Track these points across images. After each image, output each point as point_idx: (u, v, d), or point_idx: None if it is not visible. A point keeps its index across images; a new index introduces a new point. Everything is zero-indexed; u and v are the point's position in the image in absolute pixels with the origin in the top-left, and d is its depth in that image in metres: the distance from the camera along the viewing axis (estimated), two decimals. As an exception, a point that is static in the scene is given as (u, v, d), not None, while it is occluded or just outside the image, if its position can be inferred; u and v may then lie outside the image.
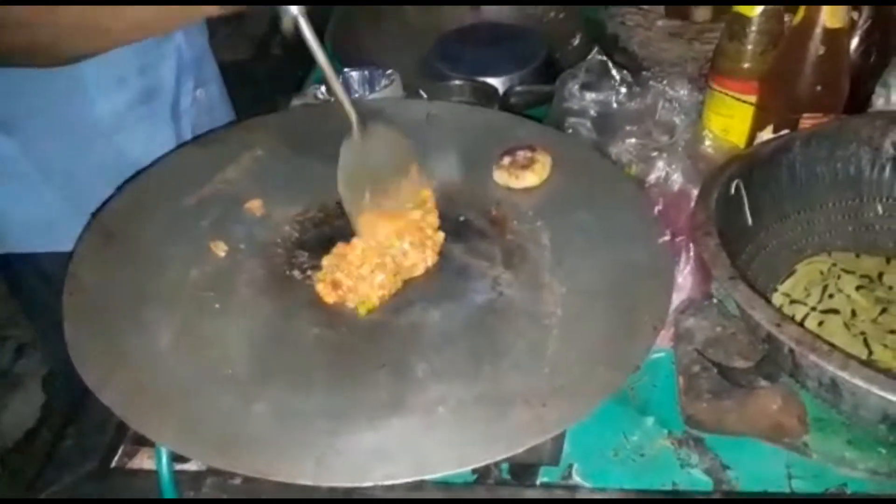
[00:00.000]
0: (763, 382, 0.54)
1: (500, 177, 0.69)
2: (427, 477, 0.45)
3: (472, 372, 0.52)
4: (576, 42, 1.10)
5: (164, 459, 0.52)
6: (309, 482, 0.44)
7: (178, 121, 0.86)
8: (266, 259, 0.62)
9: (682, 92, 0.85)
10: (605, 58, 0.78)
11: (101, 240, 0.62)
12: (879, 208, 0.71)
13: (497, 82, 1.00)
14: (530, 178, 0.67)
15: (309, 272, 0.61)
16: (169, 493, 0.52)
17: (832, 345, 0.59)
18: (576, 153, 0.71)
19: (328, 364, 0.53)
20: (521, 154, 0.69)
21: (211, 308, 0.57)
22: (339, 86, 0.59)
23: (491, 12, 1.20)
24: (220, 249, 0.63)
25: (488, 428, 0.47)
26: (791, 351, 0.50)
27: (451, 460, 0.45)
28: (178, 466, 0.54)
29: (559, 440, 0.55)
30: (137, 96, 0.80)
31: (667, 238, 0.60)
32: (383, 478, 0.44)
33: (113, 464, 0.59)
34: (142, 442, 0.59)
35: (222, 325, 0.56)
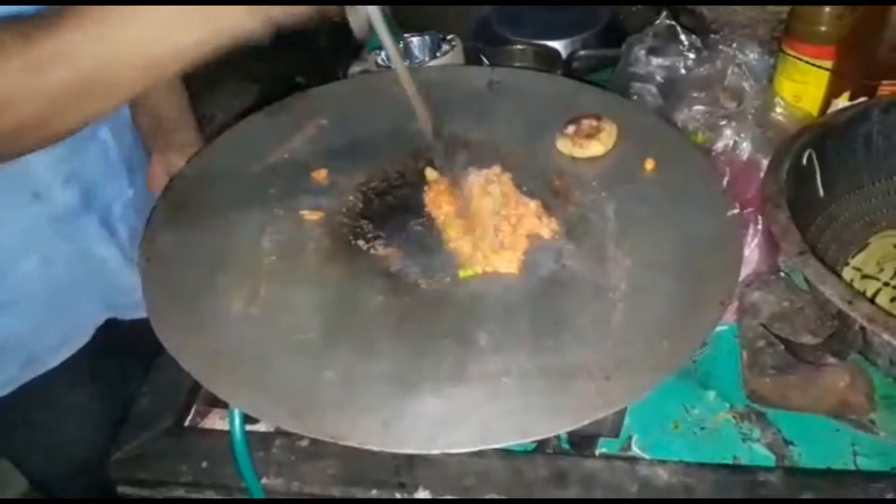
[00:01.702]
0: (831, 359, 0.53)
1: (564, 146, 0.68)
2: (491, 446, 0.46)
3: (535, 344, 0.52)
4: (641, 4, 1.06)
5: (237, 421, 0.54)
6: (376, 447, 0.46)
7: (114, 233, 0.78)
8: (332, 228, 0.64)
9: (753, 56, 0.82)
10: (673, 22, 0.75)
11: (174, 207, 0.64)
12: (960, 181, 0.68)
13: (559, 45, 0.99)
14: (595, 148, 0.67)
15: (372, 241, 0.62)
16: (242, 452, 0.55)
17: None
18: (642, 122, 0.70)
19: (393, 332, 0.55)
20: (586, 122, 0.68)
21: (281, 275, 0.59)
22: (415, 90, 0.56)
23: (553, -27, 1.17)
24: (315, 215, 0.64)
25: (552, 400, 0.48)
26: (862, 328, 0.49)
27: (515, 431, 0.46)
28: (249, 427, 0.56)
29: (621, 413, 0.55)
30: (61, 211, 0.72)
31: (735, 212, 0.58)
32: (448, 445, 0.46)
33: (186, 423, 0.62)
34: (213, 403, 0.63)
35: (292, 293, 0.58)
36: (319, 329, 0.55)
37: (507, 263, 0.58)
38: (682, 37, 0.76)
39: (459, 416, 0.48)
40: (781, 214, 0.57)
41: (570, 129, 0.68)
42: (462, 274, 0.59)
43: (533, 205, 0.62)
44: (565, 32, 1.00)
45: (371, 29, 0.51)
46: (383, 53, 0.89)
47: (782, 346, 0.57)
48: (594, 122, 0.67)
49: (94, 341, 0.81)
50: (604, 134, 0.67)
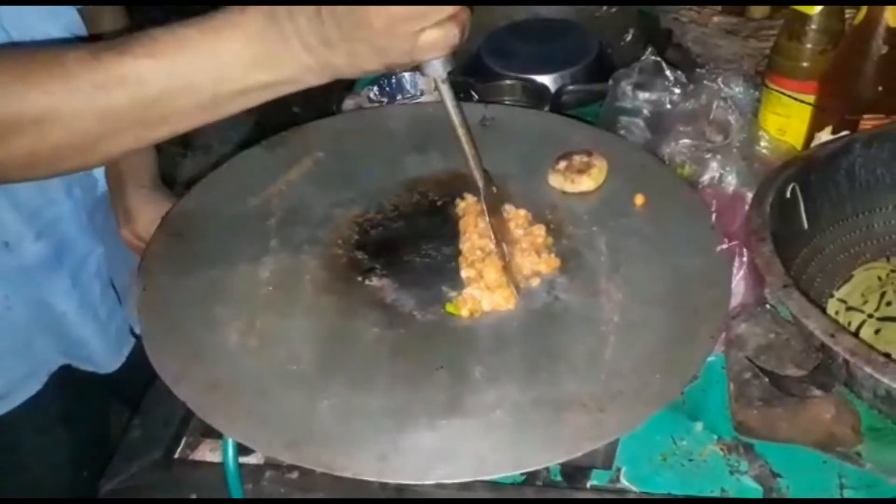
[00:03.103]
0: (816, 392, 0.54)
1: (556, 181, 0.70)
2: (486, 478, 0.46)
3: (529, 376, 0.53)
4: (628, 38, 1.09)
5: (231, 452, 0.55)
6: (373, 478, 0.47)
7: (82, 288, 0.77)
8: (328, 260, 0.65)
9: (738, 90, 0.84)
10: (658, 58, 0.78)
11: (172, 238, 0.66)
12: (942, 212, 0.70)
13: (548, 79, 1.00)
14: (586, 183, 0.68)
15: (368, 273, 0.63)
16: (235, 483, 0.55)
17: (888, 356, 0.60)
18: (632, 158, 0.72)
19: (388, 364, 0.55)
20: (577, 158, 0.69)
21: (277, 307, 0.60)
22: (475, 156, 0.59)
23: (542, 8, 1.20)
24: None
25: (546, 432, 0.49)
26: (846, 361, 0.51)
27: (508, 462, 0.47)
28: (240, 459, 0.57)
29: (613, 444, 0.56)
30: (30, 263, 0.71)
31: (725, 247, 0.60)
32: (443, 477, 0.46)
33: (176, 454, 0.62)
34: (204, 434, 0.63)
35: (288, 324, 0.59)
36: (315, 360, 0.55)
37: (505, 300, 0.59)
38: (668, 72, 0.78)
39: (453, 448, 0.49)
40: (765, 248, 0.58)
41: (562, 164, 0.70)
42: (449, 308, 0.60)
43: (540, 240, 0.64)
44: (554, 67, 1.02)
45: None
46: (375, 88, 0.90)
47: (768, 380, 0.58)
48: (585, 158, 0.69)
49: (65, 384, 0.80)
50: (594, 170, 0.68)
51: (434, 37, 0.48)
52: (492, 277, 0.59)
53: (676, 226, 0.63)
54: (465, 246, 0.64)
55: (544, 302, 0.60)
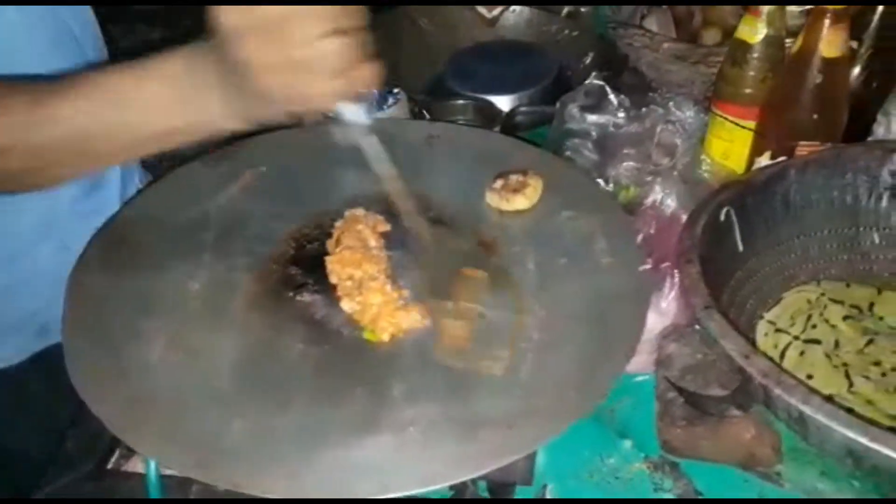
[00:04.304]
0: (735, 411, 0.54)
1: (493, 199, 0.70)
2: (392, 495, 0.46)
3: (447, 394, 0.53)
4: (588, 61, 1.10)
5: (153, 465, 0.55)
6: (279, 496, 0.46)
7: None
8: (262, 274, 0.65)
9: (689, 114, 0.85)
10: (602, 82, 0.79)
11: (107, 249, 0.65)
12: (876, 237, 0.71)
13: (507, 100, 1.02)
14: (520, 202, 0.69)
15: (300, 288, 0.63)
16: (155, 495, 0.55)
17: (810, 377, 0.60)
18: (569, 178, 0.72)
19: (309, 380, 0.55)
20: (513, 178, 0.70)
21: (205, 321, 0.60)
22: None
23: (506, 30, 1.22)
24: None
25: (456, 449, 0.49)
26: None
27: (414, 480, 0.46)
28: (168, 471, 0.57)
29: (531, 461, 0.56)
30: (79, 192, 0.76)
31: (647, 266, 0.60)
32: (349, 494, 0.46)
33: (109, 465, 0.62)
34: (138, 446, 0.63)
35: (213, 339, 0.59)
36: (235, 377, 0.55)
37: (422, 317, 0.60)
38: (612, 96, 0.79)
39: (364, 465, 0.48)
40: (692, 269, 0.58)
41: (499, 183, 0.70)
42: (367, 336, 0.60)
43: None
44: (513, 88, 1.03)
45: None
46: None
47: (684, 399, 0.58)
48: (521, 178, 0.70)
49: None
50: (529, 189, 0.69)
51: (335, 87, 0.50)
52: (377, 301, 0.59)
53: (604, 245, 0.64)
54: (333, 279, 0.63)
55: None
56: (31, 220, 0.73)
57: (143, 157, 0.58)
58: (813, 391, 0.48)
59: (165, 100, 0.52)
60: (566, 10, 1.22)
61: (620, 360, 0.53)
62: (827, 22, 0.68)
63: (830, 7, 0.67)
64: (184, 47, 0.52)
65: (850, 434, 0.45)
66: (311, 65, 0.48)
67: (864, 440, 0.45)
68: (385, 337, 0.59)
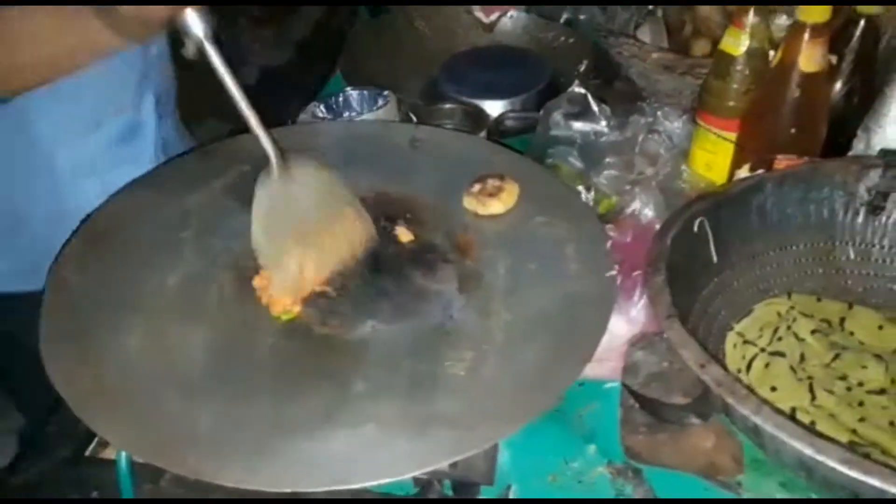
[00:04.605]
0: (694, 420, 0.55)
1: (469, 203, 0.71)
2: (342, 487, 0.47)
3: (408, 391, 0.54)
4: (582, 68, 1.11)
5: (123, 454, 0.56)
6: (234, 485, 0.48)
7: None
8: (238, 271, 0.66)
9: (676, 124, 0.86)
10: (584, 91, 0.79)
11: (88, 242, 0.67)
12: (851, 253, 0.72)
13: (499, 105, 1.03)
14: (496, 206, 0.70)
15: (275, 284, 0.64)
16: (125, 483, 0.56)
17: (773, 389, 0.61)
18: (545, 184, 0.73)
19: (276, 374, 0.56)
20: (490, 182, 0.71)
21: (180, 315, 0.61)
22: (254, 118, 0.61)
23: (504, 35, 1.23)
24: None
25: (408, 445, 0.50)
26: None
27: (365, 473, 0.47)
28: (141, 459, 0.58)
29: (491, 461, 0.57)
30: (116, 137, 0.80)
31: (614, 273, 0.61)
32: (302, 486, 0.47)
33: (87, 453, 0.63)
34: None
35: (187, 332, 0.60)
36: (204, 368, 0.56)
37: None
38: (594, 105, 0.80)
39: (319, 458, 0.49)
40: (658, 278, 0.59)
41: (476, 187, 0.71)
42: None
43: None
44: (505, 93, 1.04)
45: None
46: (322, 106, 0.92)
47: (641, 406, 0.59)
48: (497, 182, 0.71)
49: None
50: (505, 194, 0.70)
51: None
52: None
53: (574, 251, 0.64)
54: None
55: (439, 320, 0.61)
56: (70, 156, 0.77)
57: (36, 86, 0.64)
58: (765, 402, 0.48)
59: (56, 19, 0.58)
60: (564, 16, 1.23)
61: (577, 364, 0.53)
62: (806, 36, 0.69)
63: (809, 21, 0.68)
64: None
65: (797, 445, 0.46)
66: None
67: (809, 451, 0.45)
68: (284, 316, 0.61)
